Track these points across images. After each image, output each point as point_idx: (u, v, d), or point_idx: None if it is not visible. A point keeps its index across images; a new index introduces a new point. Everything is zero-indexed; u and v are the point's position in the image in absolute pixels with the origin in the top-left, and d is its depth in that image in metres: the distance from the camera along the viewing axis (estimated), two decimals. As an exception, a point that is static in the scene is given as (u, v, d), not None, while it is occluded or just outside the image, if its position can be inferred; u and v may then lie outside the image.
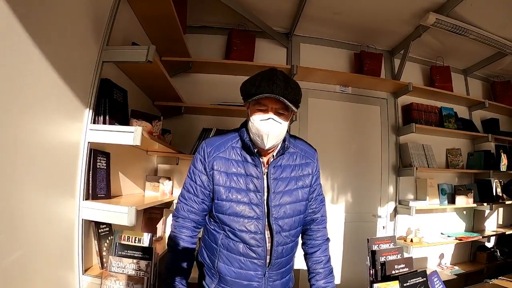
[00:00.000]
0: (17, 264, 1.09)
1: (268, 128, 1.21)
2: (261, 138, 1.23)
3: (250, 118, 1.26)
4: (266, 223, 1.28)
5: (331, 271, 1.44)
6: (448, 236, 3.10)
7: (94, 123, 1.54)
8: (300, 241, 1.48)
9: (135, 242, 1.57)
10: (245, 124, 1.34)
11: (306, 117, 3.13)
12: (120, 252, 1.52)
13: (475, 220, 3.44)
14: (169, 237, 1.36)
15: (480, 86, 3.85)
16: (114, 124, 1.57)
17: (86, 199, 1.50)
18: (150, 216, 2.41)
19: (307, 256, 1.47)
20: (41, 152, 1.22)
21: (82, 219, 1.48)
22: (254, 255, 1.28)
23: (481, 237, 3.16)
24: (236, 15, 2.81)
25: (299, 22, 2.94)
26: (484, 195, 3.30)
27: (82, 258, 1.49)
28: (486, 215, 3.50)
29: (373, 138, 3.24)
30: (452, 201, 3.21)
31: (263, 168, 1.31)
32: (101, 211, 1.47)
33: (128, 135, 1.47)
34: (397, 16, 2.80)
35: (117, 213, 1.45)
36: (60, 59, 1.29)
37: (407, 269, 1.55)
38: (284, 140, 1.33)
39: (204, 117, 2.91)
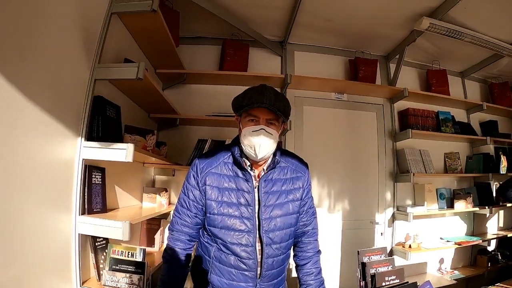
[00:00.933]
0: (15, 278, 1.13)
1: (260, 138, 1.26)
2: (253, 148, 1.27)
3: (242, 130, 1.31)
4: (257, 236, 1.32)
5: (322, 283, 1.47)
6: (448, 241, 3.08)
7: (88, 140, 1.57)
8: (292, 253, 1.51)
9: (128, 257, 1.60)
10: (236, 141, 1.39)
11: (302, 125, 3.14)
12: (113, 266, 1.57)
13: (475, 224, 3.42)
14: (165, 249, 1.41)
15: (478, 88, 3.84)
16: (108, 141, 1.59)
17: (82, 214, 1.53)
18: (148, 227, 2.44)
19: (298, 268, 1.51)
20: (36, 169, 1.26)
21: (79, 234, 1.51)
22: (244, 267, 1.32)
23: (481, 240, 3.14)
24: (229, 25, 2.82)
25: (292, 30, 2.96)
26: (483, 198, 3.28)
27: (79, 271, 1.52)
28: (487, 218, 3.47)
29: (369, 144, 3.24)
30: (451, 205, 3.20)
31: (254, 182, 1.35)
32: (96, 226, 1.50)
33: (121, 152, 1.50)
34: (390, 21, 2.80)
35: (112, 227, 1.48)
36: (53, 79, 1.33)
37: (398, 280, 1.56)
38: (274, 155, 1.38)
39: (200, 128, 2.94)
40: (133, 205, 2.30)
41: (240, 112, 1.32)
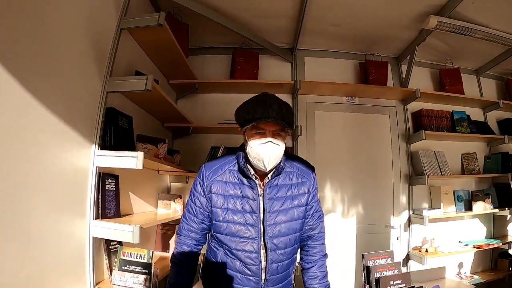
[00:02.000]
0: (31, 277, 1.21)
1: (268, 151, 1.28)
2: (261, 161, 1.29)
3: (249, 143, 1.31)
4: (262, 242, 1.35)
5: (327, 287, 1.47)
6: (466, 245, 3.00)
7: (102, 149, 1.67)
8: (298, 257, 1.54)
9: (136, 258, 1.67)
10: (241, 148, 1.41)
11: (313, 130, 3.15)
12: (122, 267, 1.66)
13: (495, 226, 3.31)
14: (173, 253, 1.46)
15: (494, 86, 3.72)
16: (120, 150, 1.69)
17: (96, 219, 1.62)
18: (163, 232, 2.52)
19: (303, 271, 1.52)
20: (53, 176, 1.37)
21: (93, 237, 1.60)
22: (249, 272, 1.35)
23: (501, 243, 3.03)
24: (238, 35, 2.88)
25: (300, 37, 3.00)
26: (503, 199, 3.18)
27: (93, 272, 1.60)
28: (507, 220, 3.34)
29: (383, 147, 3.21)
30: (469, 207, 3.12)
31: (259, 190, 1.37)
32: (109, 229, 1.59)
33: (131, 159, 1.59)
34: (397, 23, 2.79)
35: (124, 231, 1.56)
36: (68, 93, 1.45)
37: (404, 285, 1.55)
38: (279, 161, 1.39)
39: (212, 136, 3.01)
40: (148, 211, 2.39)
41: (244, 128, 1.30)
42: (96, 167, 1.63)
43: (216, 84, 2.94)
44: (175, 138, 3.01)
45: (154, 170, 2.54)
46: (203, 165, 1.45)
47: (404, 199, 3.12)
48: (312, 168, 1.51)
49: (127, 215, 1.99)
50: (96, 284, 1.63)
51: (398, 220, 3.09)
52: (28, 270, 1.20)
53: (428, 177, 2.87)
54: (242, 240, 1.35)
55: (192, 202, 1.44)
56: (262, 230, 1.35)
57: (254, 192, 1.37)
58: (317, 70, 3.25)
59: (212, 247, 1.47)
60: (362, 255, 1.57)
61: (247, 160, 1.37)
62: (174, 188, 2.91)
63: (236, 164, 1.40)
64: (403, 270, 2.99)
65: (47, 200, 1.33)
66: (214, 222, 1.39)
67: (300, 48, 3.26)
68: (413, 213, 3.08)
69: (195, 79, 2.90)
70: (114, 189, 1.78)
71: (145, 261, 1.66)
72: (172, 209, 2.49)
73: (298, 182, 1.44)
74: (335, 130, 3.20)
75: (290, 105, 3.13)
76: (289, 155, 1.51)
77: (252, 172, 1.37)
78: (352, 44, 3.21)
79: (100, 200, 1.66)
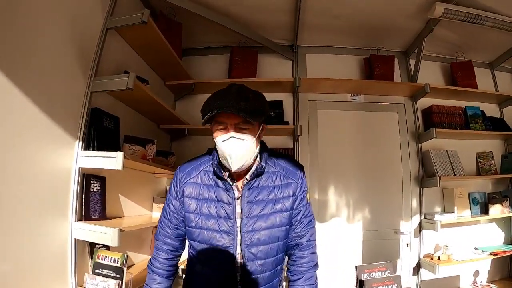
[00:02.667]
0: (6, 275, 1.21)
1: (230, 148, 1.15)
2: (226, 159, 1.17)
3: (215, 140, 1.20)
4: (239, 251, 1.22)
5: None
6: (482, 251, 2.77)
7: (85, 150, 1.66)
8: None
9: (110, 262, 1.59)
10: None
11: (316, 130, 3.00)
12: (96, 270, 1.59)
13: (515, 231, 3.07)
14: (150, 259, 1.39)
15: (510, 79, 3.46)
16: (104, 150, 1.66)
17: (79, 220, 1.59)
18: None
19: (289, 283, 1.37)
20: (34, 176, 1.37)
21: (75, 239, 1.57)
22: (225, 282, 1.24)
23: (521, 250, 2.80)
24: (236, 33, 2.79)
25: (300, 32, 2.89)
26: (524, 201, 2.93)
27: (75, 275, 1.56)
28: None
29: (391, 147, 3.02)
30: (485, 211, 2.90)
31: (235, 192, 1.24)
32: (91, 232, 1.55)
33: (111, 160, 1.56)
34: (401, 12, 2.62)
35: (103, 234, 1.52)
36: (50, 93, 1.46)
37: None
38: (260, 159, 1.27)
39: (209, 138, 2.86)
40: (142, 214, 2.34)
41: (206, 122, 1.17)
42: (79, 167, 1.61)
43: (213, 84, 2.84)
44: (173, 140, 2.94)
45: (149, 172, 2.46)
46: (178, 167, 1.35)
47: (414, 202, 2.92)
48: (299, 168, 1.35)
49: (115, 217, 1.94)
50: (79, 286, 1.59)
51: (408, 226, 2.90)
52: (2, 268, 1.19)
53: (440, 178, 2.67)
54: (215, 248, 1.22)
55: (167, 206, 1.35)
56: (239, 238, 1.22)
57: (230, 195, 1.24)
58: (320, 67, 3.10)
59: (190, 254, 1.35)
60: (356, 267, 1.41)
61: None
62: (172, 191, 2.82)
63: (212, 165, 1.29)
64: (413, 280, 2.80)
65: (27, 200, 1.33)
66: (187, 228, 1.29)
67: (301, 45, 3.13)
68: (424, 218, 2.87)
69: (191, 80, 2.81)
70: (99, 191, 1.75)
71: (118, 265, 1.56)
72: (167, 213, 2.41)
73: (282, 183, 1.29)
74: (339, 129, 3.04)
75: (292, 104, 3.04)
76: (275, 153, 1.36)
77: (227, 173, 1.25)
78: (355, 38, 3.05)
79: (83, 201, 1.64)
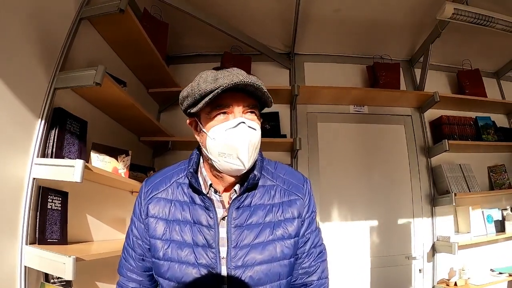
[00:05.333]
0: None
1: (243, 137, 0.83)
2: (233, 157, 0.84)
3: (208, 134, 0.87)
4: None
5: None
6: (500, 273, 2.52)
7: (43, 157, 1.37)
8: None
9: None
10: (194, 154, 0.99)
11: (316, 145, 2.74)
12: None
13: (534, 250, 2.80)
14: None
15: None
16: (63, 158, 1.38)
17: (31, 244, 1.28)
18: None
19: None
20: None
21: (25, 266, 1.25)
22: None
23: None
24: (228, 40, 2.58)
25: (297, 39, 2.70)
26: (541, 217, 2.69)
27: None
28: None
29: (399, 163, 2.77)
30: (501, 229, 2.66)
31: (218, 211, 0.91)
32: (44, 259, 1.23)
33: (68, 169, 1.26)
34: (407, 17, 2.52)
35: (57, 263, 1.19)
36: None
37: None
38: (252, 167, 0.93)
39: (194, 153, 2.61)
40: (116, 238, 1.98)
41: (198, 109, 0.85)
42: (34, 178, 1.32)
43: (202, 93, 2.57)
44: (156, 155, 2.62)
45: (126, 190, 2.13)
46: (145, 179, 1.03)
47: (426, 223, 2.64)
48: (305, 181, 1.02)
49: (82, 242, 1.62)
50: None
51: (420, 249, 2.61)
52: None
53: (455, 195, 2.41)
54: None
55: (130, 230, 1.01)
56: (224, 274, 0.87)
57: (211, 215, 0.90)
58: (319, 76, 2.89)
59: None
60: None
61: (198, 167, 0.96)
62: (154, 214, 2.48)
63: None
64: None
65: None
66: (153, 259, 0.93)
67: (299, 53, 2.93)
68: (437, 240, 2.59)
69: (177, 87, 2.53)
70: (59, 209, 1.44)
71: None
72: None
73: (283, 201, 0.95)
74: (341, 144, 2.78)
75: (290, 116, 2.79)
76: (271, 162, 1.04)
77: (209, 182, 0.93)
78: (358, 45, 2.88)
79: (38, 220, 1.33)
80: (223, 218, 0.90)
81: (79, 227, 1.63)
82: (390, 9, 2.44)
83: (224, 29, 2.45)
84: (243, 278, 0.86)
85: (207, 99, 0.81)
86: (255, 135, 0.86)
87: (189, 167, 0.93)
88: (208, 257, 0.87)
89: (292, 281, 0.96)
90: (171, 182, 0.97)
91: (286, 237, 0.92)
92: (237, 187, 0.93)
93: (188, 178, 0.92)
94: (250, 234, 0.89)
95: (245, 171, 0.87)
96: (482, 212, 2.68)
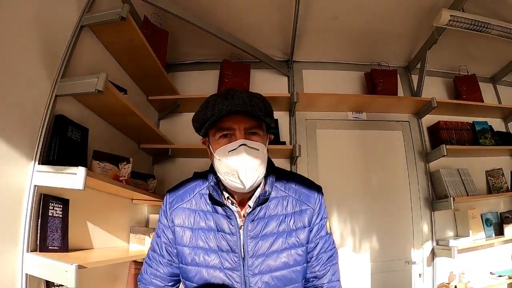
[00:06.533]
0: None
1: (241, 159, 0.90)
2: (236, 177, 0.91)
3: (215, 154, 0.94)
4: None
5: None
6: (499, 276, 2.53)
7: (43, 164, 1.35)
8: None
9: None
10: (212, 168, 1.04)
11: (315, 152, 2.75)
12: None
13: (532, 252, 2.81)
14: None
15: (513, 94, 3.34)
16: (65, 166, 1.34)
17: (32, 251, 1.27)
18: (137, 272, 2.08)
19: None
20: None
21: (26, 274, 1.24)
22: None
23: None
24: (227, 47, 2.61)
25: (296, 47, 2.71)
26: (539, 219, 2.71)
27: None
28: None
29: (397, 168, 2.78)
30: (499, 232, 2.67)
31: (238, 220, 0.98)
32: (45, 266, 1.22)
33: (70, 177, 1.25)
34: (403, 24, 2.55)
35: (59, 270, 1.18)
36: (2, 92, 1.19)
37: None
38: (264, 181, 1.02)
39: (195, 160, 2.62)
40: (117, 246, 1.99)
41: (205, 131, 0.94)
42: (35, 186, 1.30)
43: (201, 100, 2.53)
44: (156, 162, 2.62)
45: (126, 198, 2.13)
46: (167, 190, 1.11)
47: (425, 228, 2.64)
48: (316, 189, 1.09)
49: (83, 249, 1.61)
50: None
51: (419, 254, 2.60)
52: None
53: (454, 199, 2.42)
54: None
55: (158, 237, 1.08)
56: (243, 279, 0.96)
57: (232, 223, 0.98)
58: (318, 83, 2.91)
59: None
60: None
61: (219, 182, 1.00)
62: (153, 220, 2.44)
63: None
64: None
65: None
66: (181, 265, 1.02)
67: (297, 60, 2.95)
68: (437, 244, 2.60)
69: (177, 95, 2.55)
70: (60, 216, 1.43)
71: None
72: (147, 245, 2.05)
73: (295, 211, 1.02)
74: (340, 150, 2.79)
75: (289, 123, 2.80)
76: (283, 172, 1.10)
77: (226, 195, 0.99)
78: (355, 52, 2.91)
79: (39, 228, 1.32)
80: (240, 228, 0.97)
81: (79, 235, 1.62)
82: (387, 16, 2.46)
83: (223, 37, 2.47)
84: (259, 284, 0.94)
85: (206, 125, 0.90)
86: (256, 156, 0.91)
87: (210, 181, 0.99)
88: (232, 261, 0.96)
89: (304, 284, 1.02)
90: (194, 193, 1.05)
91: (298, 245, 0.99)
92: (251, 202, 0.99)
93: (209, 191, 1.00)
94: (265, 244, 0.96)
95: (246, 190, 0.94)
96: (481, 215, 2.70)
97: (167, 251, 1.05)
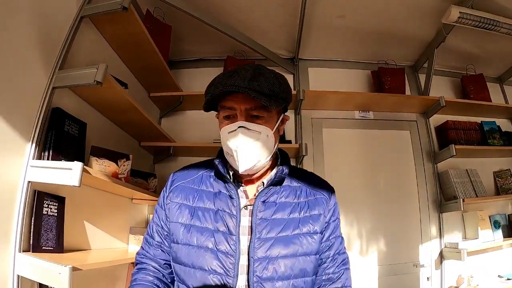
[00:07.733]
0: None
1: (238, 141, 0.86)
2: (233, 157, 0.89)
3: (220, 131, 0.93)
4: (246, 284, 0.83)
5: None
6: (508, 279, 2.47)
7: (39, 159, 1.29)
8: None
9: None
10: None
11: (321, 151, 2.68)
12: None
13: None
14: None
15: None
16: (61, 160, 1.29)
17: (24, 251, 1.20)
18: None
19: None
20: None
21: (17, 275, 1.17)
22: None
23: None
24: (231, 44, 2.56)
25: (301, 45, 2.66)
26: (547, 220, 2.66)
27: None
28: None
29: (405, 169, 2.71)
30: (508, 234, 2.61)
31: (241, 201, 0.91)
32: (38, 268, 1.15)
33: (66, 173, 1.17)
34: (411, 21, 2.47)
35: (51, 272, 1.11)
36: None
37: None
38: (278, 161, 1.00)
39: (198, 159, 2.52)
40: (115, 247, 1.92)
41: (210, 108, 0.94)
42: (29, 182, 1.24)
43: (204, 97, 2.52)
44: (158, 161, 2.55)
45: (126, 197, 2.06)
46: (173, 172, 1.07)
47: (434, 230, 2.57)
48: (330, 188, 1.04)
49: (79, 250, 1.55)
50: None
51: (427, 257, 2.54)
52: None
53: (463, 201, 2.36)
54: (207, 276, 0.83)
55: (152, 220, 1.05)
56: (244, 264, 0.85)
57: (234, 203, 0.90)
58: (323, 81, 2.84)
59: None
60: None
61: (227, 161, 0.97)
62: (154, 221, 2.39)
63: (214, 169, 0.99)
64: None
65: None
66: (172, 244, 0.94)
67: (303, 58, 2.90)
68: (445, 247, 2.53)
69: (179, 91, 2.48)
70: (55, 214, 1.37)
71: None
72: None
73: (309, 199, 0.96)
74: (347, 150, 2.72)
75: (294, 121, 2.71)
76: (297, 168, 1.07)
77: (232, 172, 0.95)
78: (362, 50, 2.84)
79: (33, 227, 1.25)
80: (245, 207, 0.91)
81: (76, 235, 1.55)
82: (394, 14, 2.41)
83: (228, 31, 2.41)
84: (266, 270, 0.83)
85: (206, 99, 0.90)
86: (254, 138, 0.87)
87: (218, 159, 0.95)
88: (228, 244, 0.86)
89: (315, 283, 0.93)
90: (197, 174, 1.00)
91: (312, 232, 0.92)
92: (265, 179, 0.95)
93: (215, 163, 0.94)
94: (276, 228, 0.88)
95: (243, 173, 0.90)
96: (489, 217, 2.63)
97: (157, 232, 1.00)
